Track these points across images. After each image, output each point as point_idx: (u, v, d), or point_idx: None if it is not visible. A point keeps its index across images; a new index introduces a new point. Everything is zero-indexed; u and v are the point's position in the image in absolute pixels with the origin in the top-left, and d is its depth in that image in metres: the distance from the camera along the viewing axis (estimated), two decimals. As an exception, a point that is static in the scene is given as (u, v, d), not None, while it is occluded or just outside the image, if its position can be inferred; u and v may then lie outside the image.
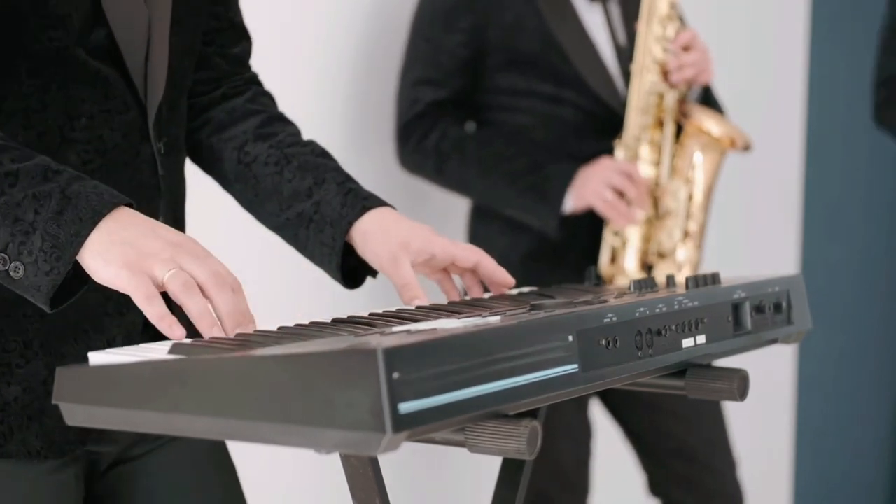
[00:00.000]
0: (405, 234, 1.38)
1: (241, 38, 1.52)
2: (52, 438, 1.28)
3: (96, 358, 1.08)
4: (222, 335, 1.12)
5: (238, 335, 1.12)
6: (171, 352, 1.07)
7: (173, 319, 1.11)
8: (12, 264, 1.11)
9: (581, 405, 2.35)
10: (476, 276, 1.42)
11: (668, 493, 2.43)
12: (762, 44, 3.40)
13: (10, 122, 1.23)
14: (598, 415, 2.54)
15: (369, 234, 1.39)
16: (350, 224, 1.39)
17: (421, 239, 1.38)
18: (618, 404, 2.42)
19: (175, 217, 1.38)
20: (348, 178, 1.44)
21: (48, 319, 1.25)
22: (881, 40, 2.66)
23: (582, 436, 2.38)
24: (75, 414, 1.06)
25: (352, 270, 1.43)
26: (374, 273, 1.44)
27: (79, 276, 1.14)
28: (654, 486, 2.45)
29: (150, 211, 1.31)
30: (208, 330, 1.11)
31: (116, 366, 1.05)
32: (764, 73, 3.36)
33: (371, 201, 1.41)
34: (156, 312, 1.10)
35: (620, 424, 2.44)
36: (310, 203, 1.42)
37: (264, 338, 1.10)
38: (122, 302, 1.29)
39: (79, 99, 1.25)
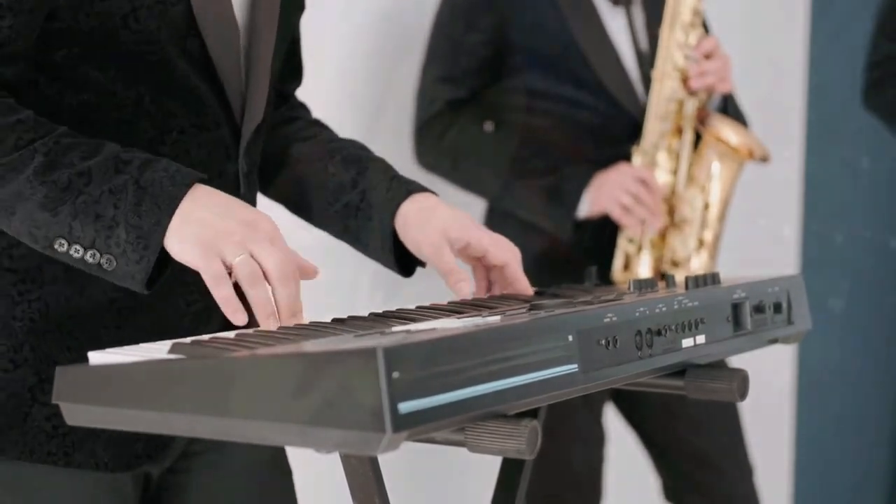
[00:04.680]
0: (444, 220, 1.38)
1: (297, 75, 1.55)
2: (119, 451, 1.29)
3: (96, 357, 1.08)
4: (276, 325, 1.15)
5: (238, 335, 1.13)
6: (171, 352, 1.08)
7: (238, 306, 1.14)
8: (104, 258, 1.15)
9: (594, 410, 2.35)
10: (502, 274, 1.41)
11: (683, 498, 2.42)
12: (762, 43, 3.40)
13: (101, 134, 1.23)
14: (613, 420, 2.53)
15: (409, 222, 1.39)
16: (397, 206, 1.40)
17: (458, 227, 1.38)
18: (633, 409, 2.42)
19: None
20: (391, 167, 1.46)
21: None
22: (877, 20, 2.64)
23: (595, 441, 2.37)
24: (75, 413, 1.06)
25: (403, 258, 1.43)
26: (423, 262, 1.44)
27: (163, 254, 1.17)
28: (669, 492, 2.44)
29: None
30: (265, 320, 1.15)
31: (116, 365, 1.05)
32: (764, 73, 3.35)
33: (415, 186, 1.42)
34: (222, 295, 1.14)
35: (635, 429, 2.44)
36: (355, 192, 1.44)
37: (264, 337, 1.10)
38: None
39: (171, 113, 1.26)
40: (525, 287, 1.40)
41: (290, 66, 1.52)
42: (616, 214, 2.20)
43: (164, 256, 1.17)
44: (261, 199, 1.54)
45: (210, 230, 1.15)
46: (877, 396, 3.80)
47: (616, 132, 2.28)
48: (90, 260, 1.15)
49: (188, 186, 1.17)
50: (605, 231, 2.27)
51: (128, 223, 1.14)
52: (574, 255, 2.28)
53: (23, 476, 1.27)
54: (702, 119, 2.27)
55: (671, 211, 2.27)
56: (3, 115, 1.17)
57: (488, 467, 1.31)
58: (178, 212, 1.15)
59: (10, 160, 1.15)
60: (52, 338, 1.25)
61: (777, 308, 1.34)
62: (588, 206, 2.24)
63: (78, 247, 1.15)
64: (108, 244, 1.15)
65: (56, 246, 1.16)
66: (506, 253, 1.40)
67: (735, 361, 1.93)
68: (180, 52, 1.25)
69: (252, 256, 1.15)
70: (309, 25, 2.16)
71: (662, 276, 2.25)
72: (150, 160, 1.18)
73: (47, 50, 1.22)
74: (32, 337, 1.25)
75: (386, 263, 1.43)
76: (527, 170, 2.27)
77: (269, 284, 1.16)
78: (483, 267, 1.43)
